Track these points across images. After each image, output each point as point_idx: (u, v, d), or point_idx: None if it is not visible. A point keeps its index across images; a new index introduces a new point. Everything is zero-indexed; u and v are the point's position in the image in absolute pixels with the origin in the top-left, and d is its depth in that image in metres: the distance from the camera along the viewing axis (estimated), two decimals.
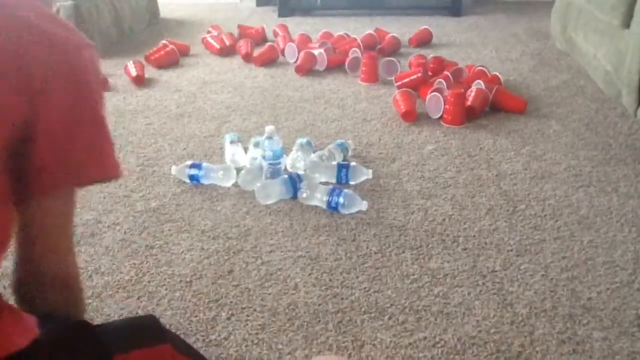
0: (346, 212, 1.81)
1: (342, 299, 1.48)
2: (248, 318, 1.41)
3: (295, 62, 3.00)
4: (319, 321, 1.41)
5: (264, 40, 3.40)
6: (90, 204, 1.87)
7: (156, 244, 1.69)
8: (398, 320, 1.41)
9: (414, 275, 1.56)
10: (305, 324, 1.40)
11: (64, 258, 0.78)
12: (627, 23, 2.41)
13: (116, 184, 1.97)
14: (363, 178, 1.98)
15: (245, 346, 1.33)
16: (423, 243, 1.68)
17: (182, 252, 1.66)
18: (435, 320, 1.41)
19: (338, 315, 1.42)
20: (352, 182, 1.96)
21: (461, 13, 3.91)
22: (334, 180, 1.96)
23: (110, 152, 0.74)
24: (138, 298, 1.48)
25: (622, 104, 2.47)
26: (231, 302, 1.46)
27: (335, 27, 3.53)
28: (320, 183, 1.93)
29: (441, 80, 2.59)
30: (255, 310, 1.44)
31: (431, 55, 2.98)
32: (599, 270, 1.57)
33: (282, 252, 1.65)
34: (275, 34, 3.42)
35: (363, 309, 1.44)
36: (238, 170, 2.00)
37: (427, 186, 1.96)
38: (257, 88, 2.78)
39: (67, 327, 0.75)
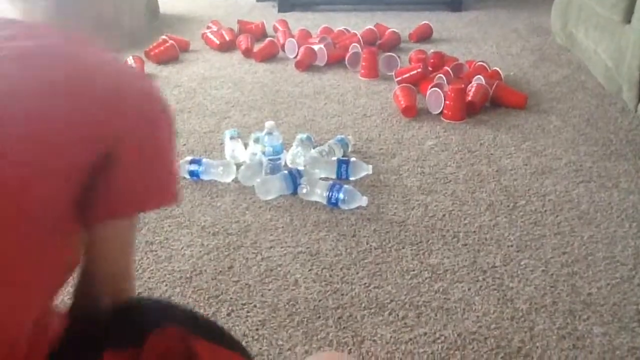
0: (346, 208, 1.80)
1: (342, 294, 1.48)
2: (248, 314, 1.41)
3: (295, 57, 2.99)
4: (319, 317, 1.41)
5: (264, 35, 3.39)
6: None
7: (156, 240, 1.69)
8: (398, 316, 1.41)
9: (414, 270, 1.56)
10: (306, 319, 1.40)
11: (121, 285, 0.78)
12: (627, 19, 2.40)
13: None
14: (363, 174, 1.97)
15: (246, 342, 1.33)
16: (423, 239, 1.68)
17: (182, 248, 1.65)
18: (436, 315, 1.41)
19: (338, 311, 1.42)
20: (352, 178, 1.96)
21: (461, 8, 3.89)
22: (334, 176, 1.96)
23: (174, 182, 0.75)
24: (138, 294, 1.48)
25: (623, 99, 2.47)
26: (231, 298, 1.46)
27: (335, 22, 3.52)
28: (320, 179, 1.92)
29: (441, 75, 2.58)
30: (255, 306, 1.44)
31: (431, 51, 2.97)
32: (599, 265, 1.57)
33: (282, 247, 1.65)
34: (275, 30, 3.41)
35: (363, 305, 1.44)
36: (238, 166, 2.00)
37: (428, 182, 1.96)
38: (257, 83, 2.78)
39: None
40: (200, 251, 1.64)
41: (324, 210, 1.81)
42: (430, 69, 2.76)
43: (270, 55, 3.09)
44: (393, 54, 2.90)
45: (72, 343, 0.68)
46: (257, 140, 2.05)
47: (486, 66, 2.76)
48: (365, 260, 1.60)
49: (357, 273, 1.55)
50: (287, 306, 1.44)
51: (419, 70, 2.67)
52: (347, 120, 2.39)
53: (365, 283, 1.51)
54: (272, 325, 1.38)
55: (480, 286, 1.50)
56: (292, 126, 2.34)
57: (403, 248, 1.65)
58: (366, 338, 1.35)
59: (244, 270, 1.56)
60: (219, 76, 2.88)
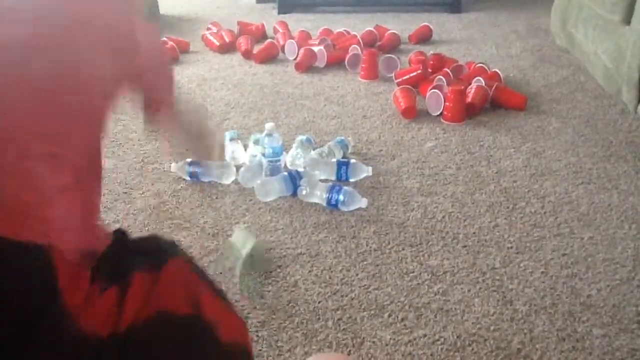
0: (346, 210, 1.80)
1: (342, 296, 1.48)
2: (248, 315, 1.41)
3: (295, 59, 3.00)
4: (319, 318, 1.41)
5: (264, 37, 3.39)
6: None
7: None
8: (398, 317, 1.41)
9: (413, 272, 1.56)
10: (305, 321, 1.40)
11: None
12: (627, 19, 2.40)
13: (116, 181, 1.97)
14: (363, 175, 1.97)
15: None
16: (423, 240, 1.68)
17: (182, 249, 1.65)
18: (435, 317, 1.41)
19: (338, 313, 1.42)
20: (351, 179, 1.96)
21: (461, 10, 3.90)
22: (333, 178, 1.96)
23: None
24: None
25: (622, 100, 2.47)
26: (231, 299, 1.46)
27: (335, 23, 3.52)
28: (320, 180, 1.92)
29: (441, 77, 2.58)
30: (255, 307, 1.44)
31: (431, 52, 2.97)
32: (599, 267, 1.57)
33: (281, 249, 1.65)
34: (275, 31, 3.41)
35: (363, 307, 1.44)
36: (238, 167, 2.00)
37: (427, 183, 1.96)
38: (256, 85, 2.78)
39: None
40: (201, 252, 1.64)
41: (323, 211, 1.81)
42: (430, 70, 2.76)
43: (270, 57, 3.09)
44: (393, 56, 2.91)
45: (108, 261, 0.76)
46: (256, 142, 2.05)
47: (486, 67, 2.77)
48: (365, 262, 1.60)
49: (357, 274, 1.55)
50: (286, 308, 1.44)
51: (419, 71, 2.67)
52: (347, 122, 2.40)
53: (365, 284, 1.52)
54: (271, 326, 1.39)
55: (480, 288, 1.50)
56: (291, 128, 2.34)
57: (403, 249, 1.65)
58: (366, 339, 1.35)
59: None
60: (219, 77, 2.88)
